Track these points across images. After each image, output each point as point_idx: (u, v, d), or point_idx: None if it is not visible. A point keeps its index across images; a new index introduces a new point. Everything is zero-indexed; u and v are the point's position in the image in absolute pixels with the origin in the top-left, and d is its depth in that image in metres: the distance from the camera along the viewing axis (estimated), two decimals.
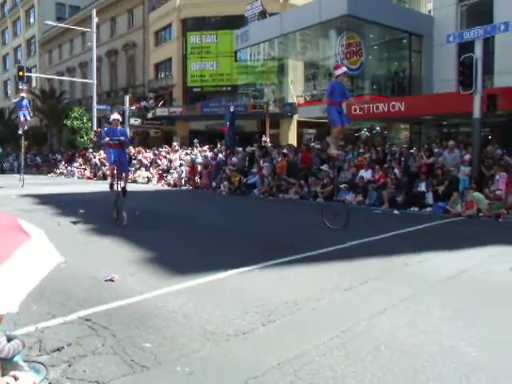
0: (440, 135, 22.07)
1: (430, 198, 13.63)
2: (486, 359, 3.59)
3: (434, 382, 3.25)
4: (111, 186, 10.78)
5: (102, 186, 22.40)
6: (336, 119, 9.50)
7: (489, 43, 18.32)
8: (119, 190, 10.51)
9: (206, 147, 24.79)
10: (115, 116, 10.83)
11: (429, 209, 13.32)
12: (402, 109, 18.54)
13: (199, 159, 22.57)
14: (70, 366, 3.46)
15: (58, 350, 3.72)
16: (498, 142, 15.63)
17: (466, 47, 16.20)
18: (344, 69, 9.72)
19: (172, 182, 22.84)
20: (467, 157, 14.04)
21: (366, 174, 15.67)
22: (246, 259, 6.68)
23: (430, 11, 25.33)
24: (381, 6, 22.42)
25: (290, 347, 3.76)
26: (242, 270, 6.23)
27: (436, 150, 15.28)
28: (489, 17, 20.34)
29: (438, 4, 24.13)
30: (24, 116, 19.67)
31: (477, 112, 14.07)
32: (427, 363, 3.52)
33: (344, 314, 4.63)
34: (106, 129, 11.07)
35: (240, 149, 21.56)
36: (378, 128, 26.63)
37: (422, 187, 13.89)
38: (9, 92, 64.02)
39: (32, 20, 57.89)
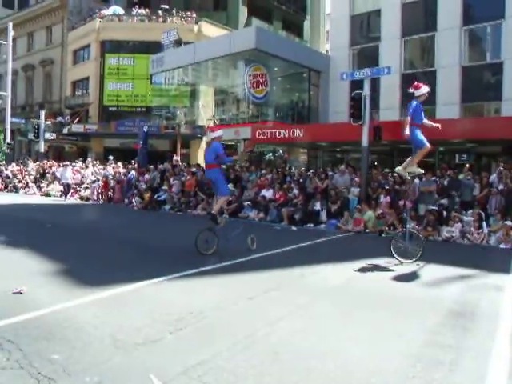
0: (333, 160, 23.14)
1: (323, 216, 14.19)
2: (367, 358, 3.79)
3: (326, 378, 3.39)
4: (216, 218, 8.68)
5: (13, 198, 21.04)
6: (424, 139, 7.91)
7: (375, 82, 19.57)
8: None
9: (119, 163, 24.32)
10: (220, 133, 8.73)
11: (323, 225, 13.85)
12: (301, 135, 19.20)
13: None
14: None
15: None
16: (382, 167, 16.65)
17: (356, 84, 17.19)
18: (427, 89, 7.97)
19: (85, 196, 21.92)
20: (356, 180, 14.84)
21: (267, 193, 15.97)
22: (155, 271, 6.53)
23: (327, 51, 26.66)
24: (285, 44, 23.31)
25: (196, 354, 3.73)
26: (151, 281, 6.09)
27: (330, 173, 15.97)
28: (376, 59, 21.83)
29: (333, 46, 25.57)
30: None
31: (365, 141, 14.98)
32: (319, 363, 3.65)
33: (246, 321, 4.67)
34: (220, 146, 8.48)
35: (152, 166, 21.22)
36: (280, 151, 27.37)
37: (317, 206, 14.44)
38: None
39: None
